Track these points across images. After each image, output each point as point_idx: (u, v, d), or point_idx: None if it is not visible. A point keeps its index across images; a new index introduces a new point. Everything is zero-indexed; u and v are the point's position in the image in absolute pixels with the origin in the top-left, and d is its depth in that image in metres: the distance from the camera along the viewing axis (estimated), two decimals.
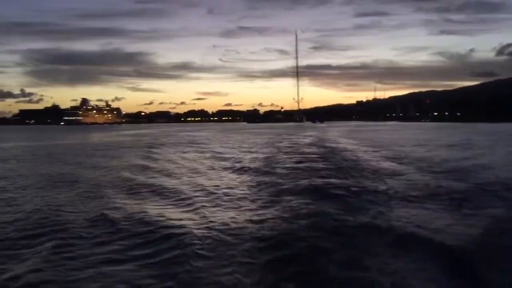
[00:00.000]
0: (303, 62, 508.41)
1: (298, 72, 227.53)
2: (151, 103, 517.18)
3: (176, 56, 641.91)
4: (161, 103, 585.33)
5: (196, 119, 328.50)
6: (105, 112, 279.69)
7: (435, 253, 6.64)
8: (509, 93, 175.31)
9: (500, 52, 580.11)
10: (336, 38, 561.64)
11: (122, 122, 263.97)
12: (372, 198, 11.06)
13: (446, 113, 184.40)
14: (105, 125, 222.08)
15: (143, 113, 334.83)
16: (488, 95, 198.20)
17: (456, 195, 11.32)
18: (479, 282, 5.75)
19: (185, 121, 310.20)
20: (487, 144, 31.76)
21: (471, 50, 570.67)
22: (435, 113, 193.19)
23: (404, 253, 6.72)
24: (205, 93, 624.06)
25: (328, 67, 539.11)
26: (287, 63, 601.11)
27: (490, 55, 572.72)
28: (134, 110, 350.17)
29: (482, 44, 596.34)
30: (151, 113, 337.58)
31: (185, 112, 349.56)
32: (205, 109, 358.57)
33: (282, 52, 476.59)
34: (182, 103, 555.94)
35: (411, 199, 10.99)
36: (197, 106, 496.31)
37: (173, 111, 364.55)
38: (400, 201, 10.75)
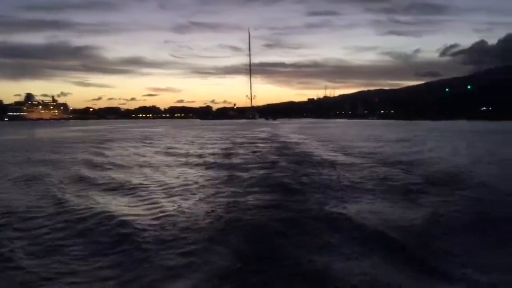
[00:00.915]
0: (256, 59, 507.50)
1: (251, 69, 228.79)
2: (99, 98, 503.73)
3: (126, 51, 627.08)
4: (110, 99, 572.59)
5: (148, 115, 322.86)
6: (51, 107, 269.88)
7: (384, 243, 6.88)
8: (451, 93, 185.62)
9: (443, 53, 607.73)
10: (289, 36, 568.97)
11: (70, 118, 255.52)
12: (324, 190, 11.45)
13: (392, 111, 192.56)
14: (52, 121, 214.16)
15: (91, 109, 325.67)
16: (432, 94, 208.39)
17: (402, 187, 11.94)
18: (424, 271, 5.91)
19: (136, 118, 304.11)
20: (431, 139, 34.37)
21: (417, 51, 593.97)
22: (382, 111, 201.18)
23: (355, 245, 6.90)
24: (156, 89, 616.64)
25: (281, 64, 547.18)
26: (240, 60, 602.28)
27: (435, 55, 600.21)
28: (81, 105, 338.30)
29: (427, 45, 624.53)
30: (100, 109, 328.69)
31: (136, 109, 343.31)
32: (157, 106, 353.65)
33: (235, 49, 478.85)
34: (133, 99, 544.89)
35: (360, 191, 11.45)
36: (148, 102, 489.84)
37: (123, 107, 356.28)
38: (350, 193, 11.16)
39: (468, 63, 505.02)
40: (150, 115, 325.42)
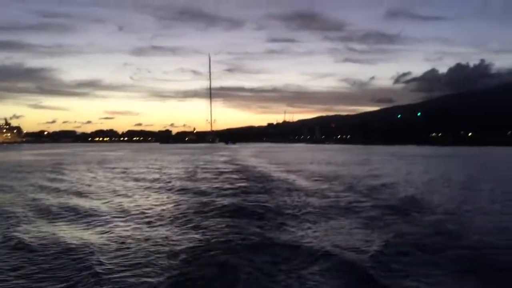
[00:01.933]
0: (216, 83, 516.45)
1: (211, 94, 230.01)
2: (54, 121, 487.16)
3: (83, 73, 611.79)
4: (65, 122, 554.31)
5: (105, 139, 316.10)
6: (4, 130, 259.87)
7: (342, 266, 7.07)
8: (406, 120, 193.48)
9: (397, 80, 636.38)
10: (249, 61, 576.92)
11: (23, 142, 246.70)
12: (281, 214, 11.62)
13: (349, 136, 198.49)
14: (4, 144, 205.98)
15: (45, 132, 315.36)
16: (386, 120, 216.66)
17: (356, 209, 12.41)
18: None
19: (93, 141, 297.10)
20: (383, 162, 36.53)
21: (372, 78, 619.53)
22: (339, 136, 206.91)
23: (314, 267, 7.04)
24: (114, 112, 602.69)
25: (241, 89, 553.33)
26: (201, 84, 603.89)
27: (389, 83, 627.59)
28: (35, 129, 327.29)
29: (382, 72, 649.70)
30: (54, 132, 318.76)
31: (92, 132, 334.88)
32: (114, 129, 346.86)
33: (196, 73, 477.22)
34: (89, 122, 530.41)
35: (317, 214, 11.69)
36: (105, 125, 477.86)
37: (78, 130, 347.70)
38: (307, 216, 11.42)
39: (420, 91, 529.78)
40: (107, 138, 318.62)
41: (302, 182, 20.36)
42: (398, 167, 30.92)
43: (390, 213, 11.88)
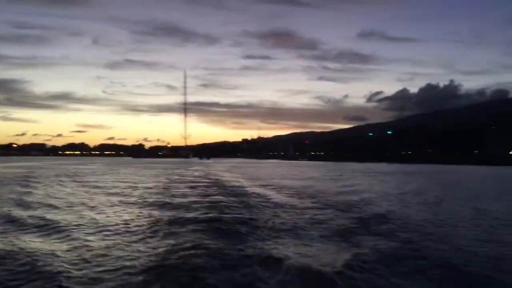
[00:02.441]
0: (191, 98, 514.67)
1: (186, 108, 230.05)
2: (23, 134, 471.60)
3: (55, 86, 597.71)
4: (35, 135, 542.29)
5: (76, 152, 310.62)
6: None
7: (309, 279, 7.24)
8: (378, 137, 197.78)
9: (369, 99, 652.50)
10: (224, 77, 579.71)
11: None
12: (254, 230, 11.52)
13: (322, 153, 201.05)
14: None
15: (14, 145, 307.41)
16: (358, 137, 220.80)
17: (329, 224, 12.52)
18: None
19: (64, 155, 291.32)
20: (352, 179, 37.62)
21: (345, 96, 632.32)
22: (312, 153, 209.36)
23: (283, 280, 7.20)
24: (86, 126, 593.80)
25: (216, 104, 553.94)
26: (175, 98, 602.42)
27: (362, 101, 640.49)
28: (3, 141, 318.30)
29: (355, 91, 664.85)
30: (24, 145, 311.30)
31: (63, 145, 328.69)
32: (86, 143, 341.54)
33: (170, 87, 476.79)
34: (59, 135, 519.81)
35: (286, 227, 11.99)
36: (76, 139, 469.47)
37: (49, 143, 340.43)
38: (276, 229, 11.66)
39: (391, 109, 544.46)
40: (79, 152, 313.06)
41: (273, 196, 20.95)
42: (366, 183, 31.97)
43: (358, 226, 12.24)
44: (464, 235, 11.39)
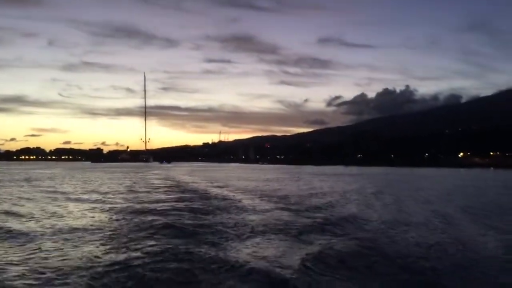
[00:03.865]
0: (151, 102, 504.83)
1: (146, 112, 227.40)
2: None
3: (7, 88, 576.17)
4: None
5: (32, 157, 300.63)
6: None
7: (268, 281, 7.25)
8: (337, 141, 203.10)
9: (329, 103, 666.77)
10: (185, 81, 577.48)
11: None
12: (215, 232, 11.59)
13: (282, 157, 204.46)
14: None
15: None
16: (318, 141, 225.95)
17: (287, 225, 12.65)
18: None
19: (18, 159, 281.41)
20: (309, 180, 39.92)
21: (306, 100, 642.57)
22: (273, 156, 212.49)
23: (241, 283, 7.19)
24: (41, 130, 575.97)
25: (177, 108, 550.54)
26: (134, 102, 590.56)
27: (322, 105, 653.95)
28: None
29: (315, 95, 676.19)
30: None
31: (18, 150, 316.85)
32: (42, 147, 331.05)
33: (130, 90, 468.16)
34: (13, 139, 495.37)
35: (246, 231, 11.86)
36: (31, 143, 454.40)
37: (2, 147, 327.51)
38: (233, 231, 11.78)
39: (350, 113, 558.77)
40: (34, 157, 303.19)
41: (229, 197, 22.19)
42: (318, 184, 34.30)
43: (313, 226, 12.45)
44: (389, 220, 13.63)
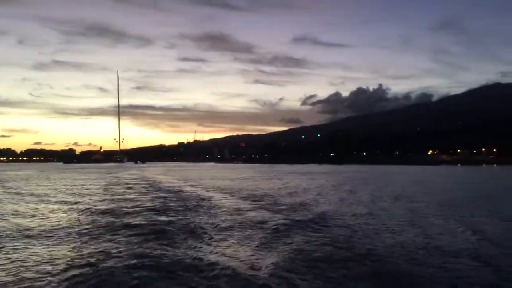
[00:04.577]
0: (124, 101, 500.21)
1: (119, 112, 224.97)
2: None
3: None
4: None
5: (2, 158, 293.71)
6: None
7: (239, 282, 7.10)
8: (312, 140, 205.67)
9: (304, 102, 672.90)
10: (159, 80, 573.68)
11: None
12: (188, 233, 11.49)
13: (258, 156, 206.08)
14: None
15: None
16: (293, 139, 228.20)
17: (262, 224, 12.69)
18: None
19: None
20: (282, 178, 41.22)
21: (281, 99, 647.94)
22: (248, 155, 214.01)
23: (212, 284, 7.04)
24: (10, 130, 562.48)
25: (151, 107, 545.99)
26: (108, 101, 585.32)
27: (297, 104, 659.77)
28: None
29: (290, 94, 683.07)
30: None
31: None
32: (12, 148, 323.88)
33: (103, 90, 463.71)
34: None
35: (219, 229, 12.02)
36: (1, 144, 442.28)
37: None
38: (206, 230, 11.79)
39: (325, 112, 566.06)
40: (4, 158, 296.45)
41: (204, 195, 22.82)
42: (293, 183, 35.61)
43: (285, 225, 12.47)
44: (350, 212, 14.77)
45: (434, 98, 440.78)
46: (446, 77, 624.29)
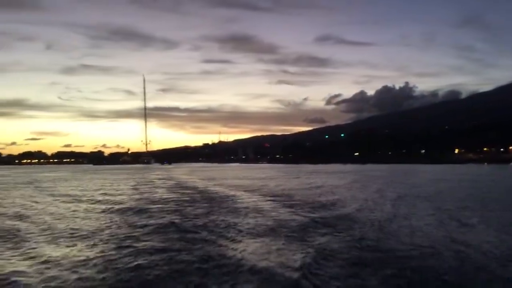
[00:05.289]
0: (150, 103, 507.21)
1: (146, 114, 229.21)
2: None
3: (7, 92, 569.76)
4: None
5: (33, 161, 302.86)
6: None
7: (272, 281, 7.12)
8: (336, 139, 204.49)
9: (328, 101, 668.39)
10: (184, 82, 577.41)
11: None
12: (216, 231, 11.60)
13: (282, 156, 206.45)
14: None
15: None
16: (318, 140, 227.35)
17: (287, 225, 12.54)
18: None
19: (20, 164, 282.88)
20: (305, 178, 42.40)
21: (305, 99, 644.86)
22: (272, 156, 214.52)
23: (244, 283, 7.07)
24: (41, 133, 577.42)
25: (176, 109, 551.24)
26: (134, 104, 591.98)
27: (321, 104, 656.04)
28: None
29: (314, 94, 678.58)
30: None
31: (19, 154, 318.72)
32: (43, 151, 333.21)
33: (129, 92, 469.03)
34: (13, 143, 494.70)
35: (248, 230, 11.77)
36: (32, 147, 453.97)
37: (3, 152, 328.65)
38: (235, 230, 11.80)
39: (350, 111, 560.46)
40: (36, 160, 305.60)
41: (231, 194, 23.28)
42: (320, 181, 36.49)
43: (314, 224, 12.47)
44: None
45: (463, 96, 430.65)
46: (474, 74, 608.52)
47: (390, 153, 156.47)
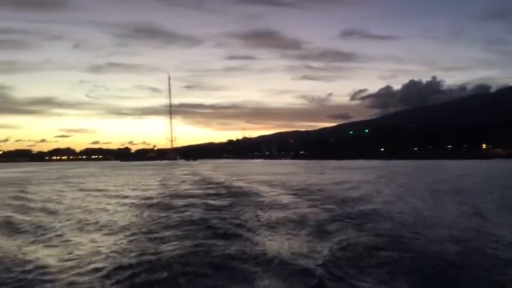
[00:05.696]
0: (175, 100, 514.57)
1: (171, 111, 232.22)
2: (6, 140, 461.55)
3: (36, 90, 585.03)
4: (18, 141, 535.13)
5: (63, 157, 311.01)
6: None
7: (295, 274, 7.17)
8: (361, 135, 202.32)
9: (353, 97, 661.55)
10: (208, 78, 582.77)
11: None
12: (242, 226, 11.62)
13: (306, 152, 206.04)
14: None
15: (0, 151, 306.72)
16: (342, 135, 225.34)
17: (312, 220, 12.47)
18: None
19: (50, 160, 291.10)
20: (328, 174, 42.74)
21: (330, 95, 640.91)
22: (296, 152, 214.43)
23: (269, 276, 7.14)
24: (69, 130, 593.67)
25: (201, 106, 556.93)
26: (160, 101, 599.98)
27: (346, 99, 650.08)
28: None
29: (339, 89, 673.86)
30: (9, 152, 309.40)
31: (49, 151, 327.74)
32: (72, 147, 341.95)
33: (154, 90, 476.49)
34: (43, 140, 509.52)
35: (271, 225, 11.77)
36: (61, 144, 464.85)
37: (33, 149, 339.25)
38: (258, 223, 12.02)
39: (375, 107, 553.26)
40: (65, 157, 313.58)
41: (254, 189, 23.71)
42: (343, 177, 36.86)
43: (338, 219, 12.42)
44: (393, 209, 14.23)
45: (492, 89, 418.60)
46: (504, 67, 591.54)
47: (416, 148, 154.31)
